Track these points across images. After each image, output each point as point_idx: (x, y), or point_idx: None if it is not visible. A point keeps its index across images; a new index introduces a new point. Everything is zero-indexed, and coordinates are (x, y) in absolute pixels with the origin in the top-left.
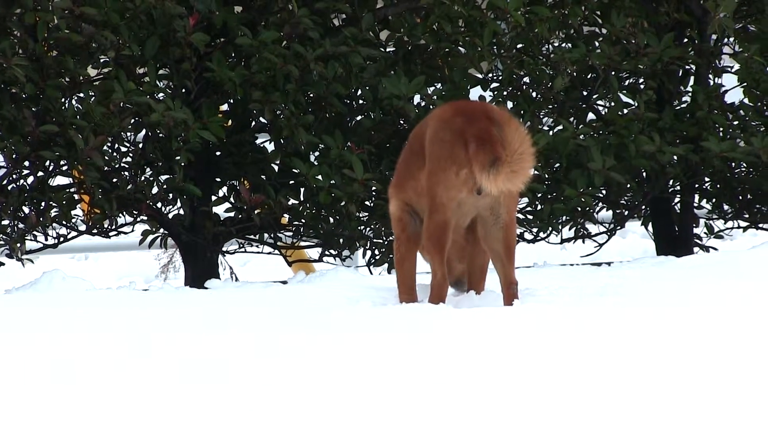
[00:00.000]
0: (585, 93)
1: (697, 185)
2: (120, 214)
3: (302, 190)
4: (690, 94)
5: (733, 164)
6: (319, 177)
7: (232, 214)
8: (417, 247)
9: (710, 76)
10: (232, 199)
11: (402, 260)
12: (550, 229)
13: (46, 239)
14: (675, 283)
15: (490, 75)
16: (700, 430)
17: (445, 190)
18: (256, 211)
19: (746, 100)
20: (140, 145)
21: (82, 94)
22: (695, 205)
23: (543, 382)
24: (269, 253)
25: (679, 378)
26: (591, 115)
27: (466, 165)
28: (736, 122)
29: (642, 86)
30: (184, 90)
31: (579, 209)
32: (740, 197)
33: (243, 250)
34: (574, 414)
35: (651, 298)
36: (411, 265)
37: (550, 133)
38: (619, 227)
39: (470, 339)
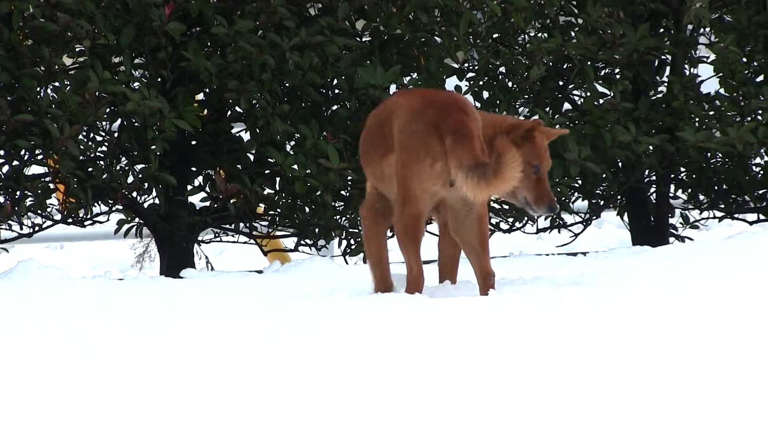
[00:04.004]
0: (561, 83)
1: (672, 175)
2: (95, 204)
3: (278, 179)
4: (666, 84)
5: (709, 154)
6: (295, 166)
7: (207, 203)
8: (383, 227)
9: (686, 66)
10: (207, 189)
11: (367, 240)
12: (526, 218)
13: (21, 228)
14: (650, 272)
15: (466, 65)
16: (680, 420)
17: (419, 183)
18: (231, 201)
19: (722, 91)
20: (116, 135)
21: (57, 84)
22: (671, 195)
23: (518, 371)
24: (245, 242)
25: (655, 366)
26: (567, 105)
27: (441, 158)
28: (711, 112)
29: (618, 76)
30: (159, 79)
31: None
32: (716, 187)
33: (219, 239)
34: (550, 403)
35: (626, 287)
36: (378, 246)
37: None
38: (594, 217)
39: (446, 328)
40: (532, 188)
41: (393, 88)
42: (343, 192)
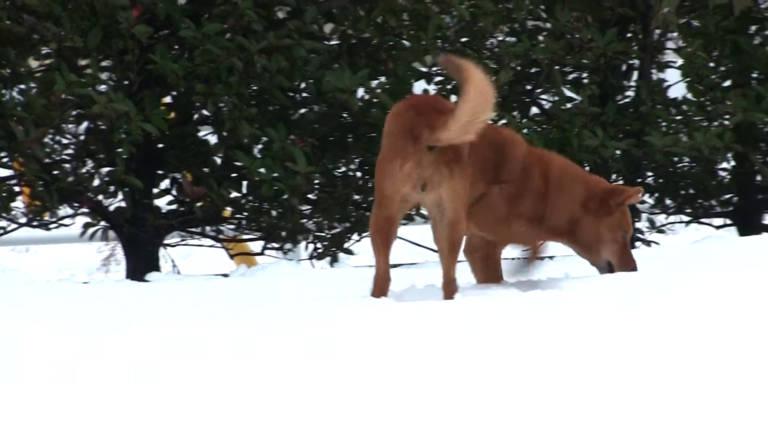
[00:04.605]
0: (529, 87)
1: (639, 180)
2: (61, 207)
3: (245, 182)
4: (633, 88)
5: (676, 159)
6: (262, 170)
7: (174, 206)
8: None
9: (654, 70)
10: (174, 192)
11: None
12: None
13: None
14: (616, 276)
15: (435, 68)
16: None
17: (390, 183)
18: (198, 204)
19: (689, 95)
20: (82, 137)
21: (23, 86)
22: None
23: (475, 375)
24: (211, 246)
25: (619, 371)
26: (534, 109)
27: (412, 159)
28: (679, 117)
29: (585, 81)
30: (126, 82)
31: None
32: (682, 192)
33: (185, 243)
34: (507, 406)
35: (593, 291)
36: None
37: None
38: None
39: (407, 331)
40: (618, 253)
41: (361, 92)
42: (310, 195)
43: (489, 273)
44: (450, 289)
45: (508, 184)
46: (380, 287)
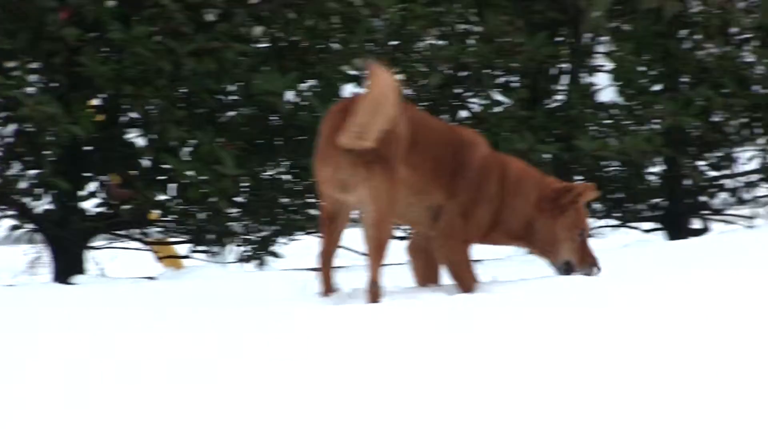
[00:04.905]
0: (458, 90)
1: None
2: None
3: (172, 185)
4: (563, 92)
5: (605, 163)
6: (190, 173)
7: (101, 209)
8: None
9: (583, 74)
10: (101, 195)
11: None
12: None
13: None
14: (544, 281)
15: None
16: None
17: (320, 186)
18: (125, 207)
19: (619, 99)
20: (9, 140)
21: None
22: None
23: (393, 379)
24: (138, 248)
25: (543, 376)
26: (464, 113)
27: (331, 161)
28: (608, 121)
29: (515, 84)
30: (54, 84)
31: None
32: (611, 196)
33: (112, 245)
34: (428, 408)
35: (518, 295)
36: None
37: None
38: None
39: (326, 335)
40: (576, 252)
41: (289, 95)
42: (238, 198)
43: (428, 274)
44: (372, 291)
45: (463, 194)
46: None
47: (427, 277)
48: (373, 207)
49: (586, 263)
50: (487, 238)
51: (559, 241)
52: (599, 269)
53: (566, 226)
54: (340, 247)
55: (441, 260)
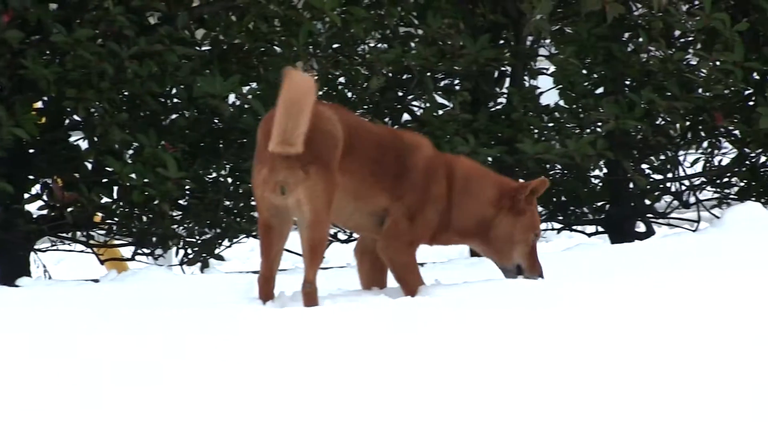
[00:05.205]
0: (400, 93)
1: None
2: None
3: (116, 188)
4: (505, 95)
5: (548, 166)
6: (133, 175)
7: (45, 211)
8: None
9: (526, 77)
10: (45, 197)
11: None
12: None
13: None
14: (486, 284)
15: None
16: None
17: (256, 190)
18: (68, 209)
19: (562, 102)
20: None
21: None
22: None
23: (346, 384)
24: (82, 251)
25: (486, 379)
26: (406, 116)
27: (267, 164)
28: (551, 124)
29: (457, 87)
30: None
31: None
32: (554, 199)
33: (55, 248)
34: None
35: (462, 298)
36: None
37: None
38: None
39: (268, 337)
40: (528, 256)
41: (232, 98)
42: (181, 201)
43: (375, 276)
44: (307, 293)
45: (409, 196)
46: (263, 290)
47: (373, 280)
48: (309, 208)
49: (535, 270)
50: (437, 239)
51: (516, 243)
52: (543, 278)
53: (524, 228)
54: (280, 270)
55: (385, 262)
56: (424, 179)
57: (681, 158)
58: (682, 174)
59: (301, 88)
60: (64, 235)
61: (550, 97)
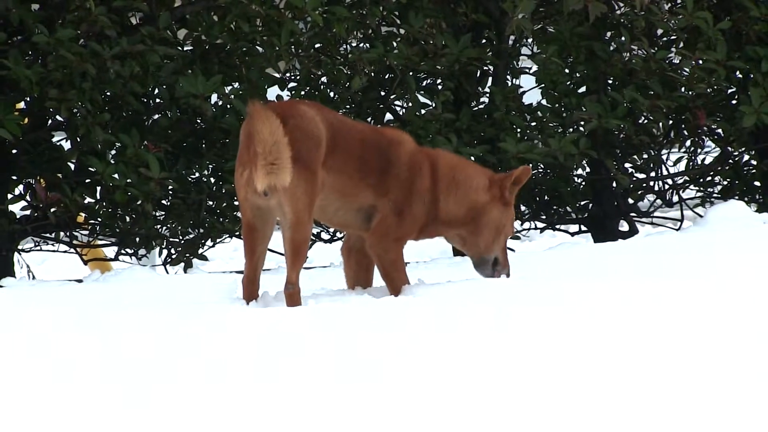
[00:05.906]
0: (383, 93)
1: None
2: None
3: (98, 188)
4: (488, 95)
5: (531, 165)
6: (116, 176)
7: (28, 212)
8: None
9: (508, 77)
10: (28, 197)
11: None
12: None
13: None
14: (469, 283)
15: (288, 74)
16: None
17: (238, 191)
18: (52, 210)
19: (544, 101)
20: None
21: None
22: None
23: (331, 383)
24: (65, 251)
25: (470, 378)
26: (389, 115)
27: (248, 166)
28: (533, 123)
29: (440, 87)
30: None
31: None
32: (537, 198)
33: (39, 248)
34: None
35: (444, 298)
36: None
37: None
38: None
39: (252, 337)
40: (503, 251)
41: (214, 98)
42: (163, 201)
43: (360, 275)
44: (290, 294)
45: (394, 192)
46: (247, 290)
47: (359, 279)
48: (291, 208)
49: (506, 266)
50: (424, 232)
51: (500, 233)
52: (509, 276)
53: (509, 219)
54: (263, 270)
55: (374, 258)
56: (408, 173)
57: (664, 157)
58: (665, 173)
59: (268, 130)
60: (47, 235)
61: (532, 96)
